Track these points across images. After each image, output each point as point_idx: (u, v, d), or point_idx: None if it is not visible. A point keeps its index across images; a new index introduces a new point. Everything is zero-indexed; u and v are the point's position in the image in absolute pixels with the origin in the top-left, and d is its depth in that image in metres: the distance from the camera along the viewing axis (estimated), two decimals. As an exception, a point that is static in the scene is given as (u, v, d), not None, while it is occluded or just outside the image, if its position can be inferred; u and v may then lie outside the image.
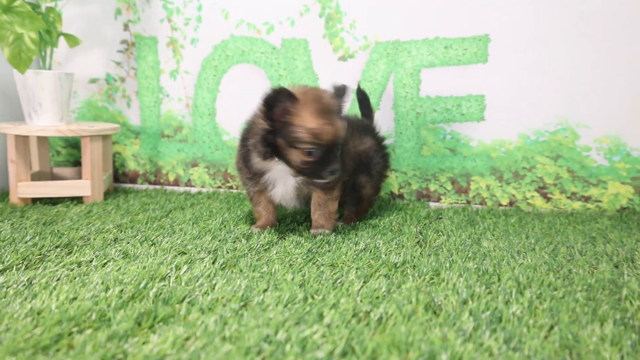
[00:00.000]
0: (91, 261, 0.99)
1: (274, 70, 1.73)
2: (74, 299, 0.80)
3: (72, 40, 1.67)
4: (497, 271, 0.97)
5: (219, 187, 1.84)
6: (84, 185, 1.58)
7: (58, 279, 0.89)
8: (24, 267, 0.95)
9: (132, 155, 1.89)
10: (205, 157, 1.83)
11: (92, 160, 1.59)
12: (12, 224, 1.24)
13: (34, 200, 1.58)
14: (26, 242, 1.09)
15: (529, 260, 1.06)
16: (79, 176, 1.78)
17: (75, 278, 0.89)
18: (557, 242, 1.21)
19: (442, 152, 1.64)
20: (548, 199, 1.58)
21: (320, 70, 1.70)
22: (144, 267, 0.95)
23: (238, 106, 1.76)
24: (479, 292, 0.86)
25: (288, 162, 1.12)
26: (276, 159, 1.14)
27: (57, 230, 1.19)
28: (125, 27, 1.83)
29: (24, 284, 0.86)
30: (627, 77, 1.49)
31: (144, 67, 1.83)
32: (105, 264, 0.98)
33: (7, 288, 0.83)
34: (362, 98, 1.54)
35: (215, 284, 0.88)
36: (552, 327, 0.75)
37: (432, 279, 0.94)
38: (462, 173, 1.64)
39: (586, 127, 1.53)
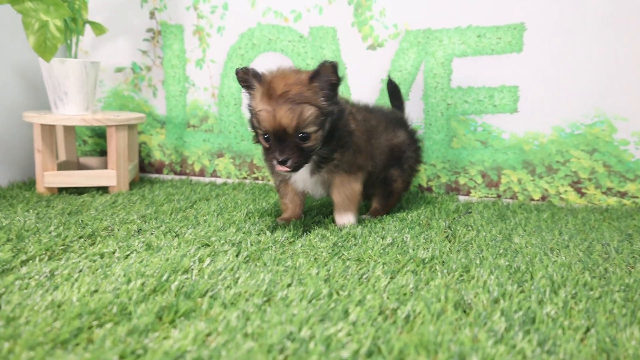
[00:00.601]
0: (114, 252, 0.99)
1: (301, 59, 1.71)
2: (95, 291, 0.79)
3: (98, 29, 1.67)
4: (530, 269, 0.93)
5: (245, 178, 1.83)
6: (110, 175, 1.58)
7: (80, 271, 0.88)
8: (47, 257, 0.95)
9: (157, 145, 1.89)
10: (231, 147, 1.82)
11: (118, 150, 1.59)
12: (37, 214, 1.25)
13: (60, 190, 1.59)
14: (50, 233, 1.09)
15: (563, 258, 1.01)
16: (104, 166, 1.80)
17: (97, 270, 0.89)
18: (592, 239, 1.16)
19: (472, 144, 1.59)
20: (582, 194, 1.52)
21: (348, 60, 1.67)
22: (167, 259, 0.94)
23: (263, 96, 1.74)
24: (511, 290, 0.83)
25: None
26: None
27: (82, 221, 1.20)
28: (152, 15, 1.82)
29: (46, 276, 0.85)
30: (671, 66, 1.41)
31: (170, 56, 1.83)
32: (128, 255, 0.98)
33: (29, 279, 0.83)
34: (393, 89, 1.50)
35: (238, 278, 0.87)
36: (588, 329, 0.71)
37: (461, 275, 0.90)
38: (493, 166, 1.59)
39: (624, 119, 1.46)
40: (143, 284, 0.82)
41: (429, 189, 1.67)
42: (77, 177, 1.57)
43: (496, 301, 0.79)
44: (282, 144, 1.03)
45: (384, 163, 1.30)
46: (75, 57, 1.61)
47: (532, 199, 1.56)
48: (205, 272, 0.89)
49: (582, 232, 1.23)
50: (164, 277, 0.85)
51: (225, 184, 1.76)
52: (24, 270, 0.87)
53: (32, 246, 0.99)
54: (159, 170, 1.91)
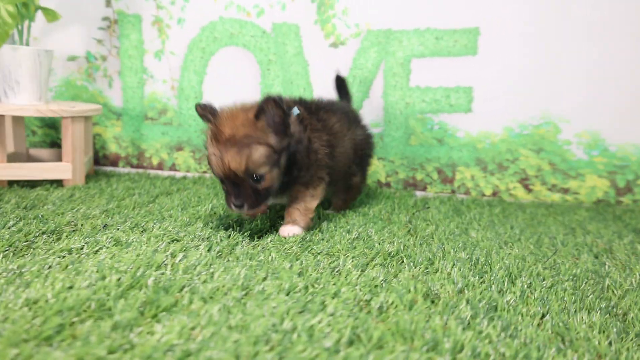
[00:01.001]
0: (82, 248, 0.97)
1: (263, 54, 1.71)
2: (70, 287, 0.78)
3: (51, 15, 1.60)
4: (488, 261, 1.00)
5: (205, 172, 1.82)
6: (65, 168, 1.54)
7: (50, 267, 0.87)
8: (11, 254, 0.93)
9: (113, 138, 1.85)
10: (191, 141, 1.81)
11: (74, 143, 1.54)
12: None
13: (10, 183, 1.53)
14: (9, 228, 1.05)
15: (517, 250, 1.09)
16: (56, 158, 1.74)
17: (67, 266, 0.87)
18: (540, 233, 1.25)
19: (429, 142, 1.67)
20: (529, 190, 1.63)
21: (311, 56, 1.69)
22: (138, 255, 0.94)
23: (226, 90, 1.75)
24: (473, 281, 0.89)
25: None
26: None
27: (41, 215, 1.16)
28: (108, 3, 1.77)
29: (15, 272, 0.83)
30: (607, 76, 1.53)
31: (127, 46, 1.78)
32: (97, 251, 0.96)
33: (-2, 275, 0.81)
34: (341, 85, 1.51)
35: (213, 272, 0.88)
36: (543, 316, 0.78)
37: (426, 268, 0.96)
38: (448, 163, 1.67)
39: (567, 122, 1.57)
40: (119, 279, 0.82)
41: (388, 185, 1.73)
42: (30, 170, 1.51)
43: (461, 291, 0.85)
44: (236, 188, 1.00)
45: (347, 163, 1.32)
46: (27, 44, 1.55)
47: (484, 195, 1.66)
48: (179, 267, 0.89)
49: (531, 226, 1.32)
50: (139, 273, 0.85)
51: (185, 177, 1.75)
52: (-11, 267, 0.84)
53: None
54: (114, 163, 1.86)
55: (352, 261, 0.97)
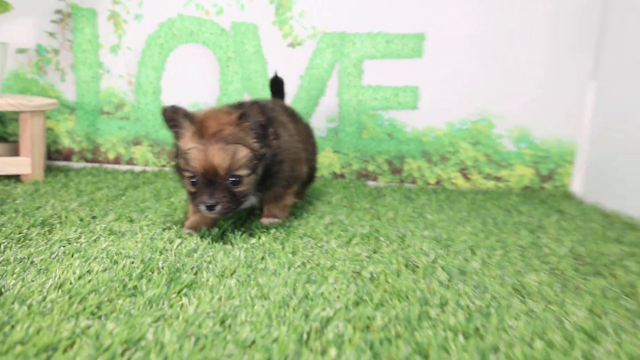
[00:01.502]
0: (79, 238, 1.01)
1: (222, 52, 1.78)
2: (89, 272, 0.84)
3: (2, 6, 1.57)
4: (450, 237, 1.16)
5: (164, 165, 1.85)
6: (25, 163, 1.52)
7: (57, 256, 0.90)
8: (12, 245, 0.95)
9: (66, 132, 1.83)
10: (149, 135, 1.83)
11: (33, 137, 1.53)
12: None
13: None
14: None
15: (469, 228, 1.27)
16: (6, 153, 1.69)
17: (74, 254, 0.91)
18: (484, 215, 1.44)
19: (380, 136, 1.82)
20: (468, 179, 1.83)
21: (269, 55, 1.78)
22: (137, 242, 1.00)
23: (185, 86, 1.79)
24: (442, 253, 1.04)
25: None
26: None
27: (21, 209, 1.17)
28: (61, -3, 1.75)
29: (25, 261, 0.86)
30: (533, 77, 1.76)
31: (81, 40, 1.77)
32: (96, 240, 1.01)
33: (8, 265, 0.84)
34: (279, 86, 1.54)
35: (214, 255, 0.96)
36: (502, 277, 0.94)
37: (400, 244, 1.10)
38: (397, 155, 1.83)
39: (500, 118, 1.79)
40: (132, 263, 0.88)
41: (342, 176, 1.86)
42: (-12, 165, 1.48)
43: (434, 261, 0.99)
44: (211, 187, 0.97)
45: (314, 159, 1.42)
46: (-19, 36, 1.51)
47: (429, 183, 1.84)
48: (182, 252, 0.96)
49: (474, 210, 1.51)
50: (147, 257, 0.91)
51: (144, 171, 1.77)
52: None
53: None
54: (67, 158, 1.84)
55: (335, 241, 1.09)
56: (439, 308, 0.77)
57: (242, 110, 1.00)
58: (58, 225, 1.08)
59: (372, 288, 0.84)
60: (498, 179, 1.82)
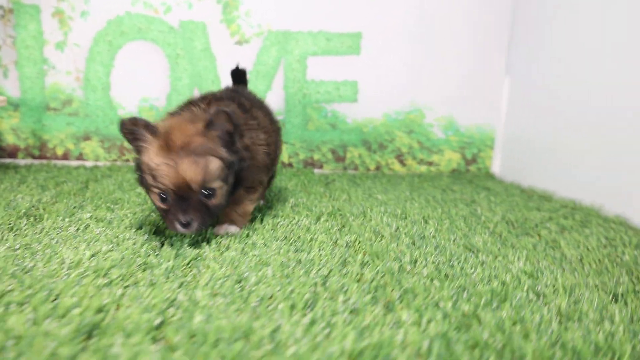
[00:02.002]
0: (69, 226, 1.06)
1: (171, 49, 1.84)
2: (98, 252, 0.90)
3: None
4: (403, 212, 1.33)
5: (115, 160, 1.87)
6: (-25, 160, 1.50)
7: (58, 241, 0.96)
8: (8, 233, 0.98)
9: (10, 129, 1.79)
10: (99, 130, 1.85)
11: (-17, 134, 1.51)
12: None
13: None
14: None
15: (416, 204, 1.45)
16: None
17: (73, 239, 0.97)
18: (424, 194, 1.64)
19: (324, 127, 1.97)
20: (404, 164, 2.04)
21: (218, 52, 1.86)
22: (130, 228, 1.07)
23: (134, 81, 1.83)
24: (401, 224, 1.21)
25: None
26: None
27: (-6, 203, 1.18)
28: (0, -8, 1.71)
29: (29, 246, 0.91)
30: (458, 73, 2.00)
31: (25, 37, 1.75)
32: (87, 227, 1.06)
33: (16, 250, 0.89)
34: (242, 77, 1.54)
35: (209, 240, 1.05)
36: (455, 239, 1.13)
37: (363, 219, 1.25)
38: (340, 144, 1.99)
39: (430, 109, 2.01)
40: (134, 244, 0.96)
41: (290, 165, 1.99)
42: (-63, 164, 1.44)
43: (397, 230, 1.16)
44: (183, 203, 0.92)
45: (278, 153, 1.36)
46: None
47: (369, 169, 2.02)
48: (173, 233, 1.05)
49: (414, 190, 1.71)
50: (146, 238, 0.99)
51: (96, 166, 1.79)
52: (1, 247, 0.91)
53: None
54: (12, 155, 1.81)
55: (306, 219, 1.22)
56: (411, 264, 0.93)
57: (208, 119, 0.94)
58: (45, 216, 1.11)
59: (353, 252, 0.99)
60: (430, 163, 2.05)
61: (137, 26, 1.80)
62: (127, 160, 1.88)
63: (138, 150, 0.96)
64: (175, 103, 1.80)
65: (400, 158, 2.03)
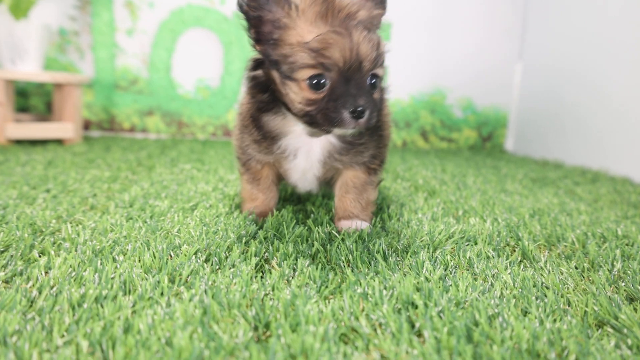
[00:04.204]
0: (181, 172, 1.30)
1: (225, 36, 2.08)
2: (215, 188, 1.15)
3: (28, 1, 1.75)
4: (443, 168, 1.59)
5: (174, 134, 2.11)
6: (68, 128, 1.73)
7: (180, 181, 1.20)
8: (131, 175, 1.23)
9: (85, 105, 2.02)
10: (161, 107, 2.08)
11: (75, 105, 1.74)
12: (48, 163, 1.42)
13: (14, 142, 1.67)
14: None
15: (449, 165, 1.71)
16: (39, 120, 1.87)
17: (188, 180, 1.22)
18: (453, 160, 1.90)
19: (358, 107, 2.22)
20: (427, 141, 2.29)
21: (268, 39, 2.10)
22: (224, 175, 1.31)
23: (192, 64, 2.07)
24: (444, 177, 1.46)
25: (288, 107, 0.75)
26: (285, 113, 0.78)
27: (103, 160, 1.42)
28: (79, -17, 1.94)
29: (162, 182, 1.16)
30: (473, 58, 2.26)
31: (99, 24, 1.98)
32: (192, 173, 1.31)
33: (153, 185, 1.13)
34: None
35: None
36: (491, 186, 1.38)
37: (410, 172, 1.51)
38: (372, 123, 2.24)
39: (451, 90, 2.27)
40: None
41: (327, 141, 2.24)
42: (36, 130, 1.67)
43: (441, 180, 1.41)
44: (357, 86, 0.69)
45: None
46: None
47: (396, 145, 2.28)
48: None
49: (443, 159, 1.96)
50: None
51: (160, 139, 2.03)
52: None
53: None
54: (85, 128, 2.04)
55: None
56: (462, 198, 1.19)
57: None
58: (156, 166, 1.36)
59: (414, 190, 1.24)
60: (450, 140, 2.31)
61: (195, 16, 2.04)
62: (184, 134, 2.12)
63: (273, 27, 0.72)
64: (228, 84, 2.05)
65: (424, 135, 2.29)
